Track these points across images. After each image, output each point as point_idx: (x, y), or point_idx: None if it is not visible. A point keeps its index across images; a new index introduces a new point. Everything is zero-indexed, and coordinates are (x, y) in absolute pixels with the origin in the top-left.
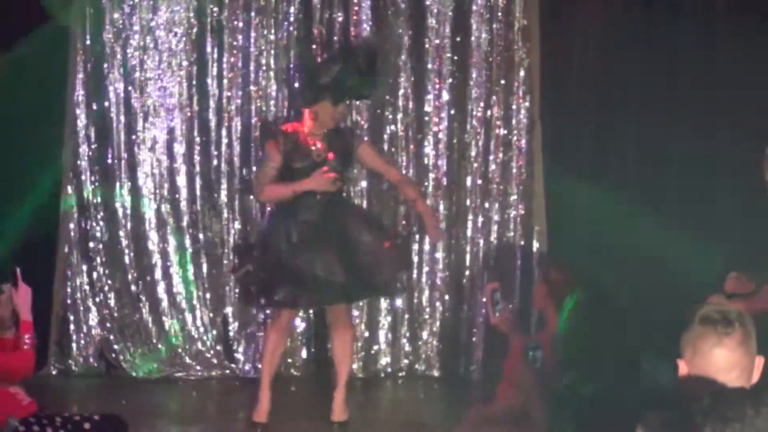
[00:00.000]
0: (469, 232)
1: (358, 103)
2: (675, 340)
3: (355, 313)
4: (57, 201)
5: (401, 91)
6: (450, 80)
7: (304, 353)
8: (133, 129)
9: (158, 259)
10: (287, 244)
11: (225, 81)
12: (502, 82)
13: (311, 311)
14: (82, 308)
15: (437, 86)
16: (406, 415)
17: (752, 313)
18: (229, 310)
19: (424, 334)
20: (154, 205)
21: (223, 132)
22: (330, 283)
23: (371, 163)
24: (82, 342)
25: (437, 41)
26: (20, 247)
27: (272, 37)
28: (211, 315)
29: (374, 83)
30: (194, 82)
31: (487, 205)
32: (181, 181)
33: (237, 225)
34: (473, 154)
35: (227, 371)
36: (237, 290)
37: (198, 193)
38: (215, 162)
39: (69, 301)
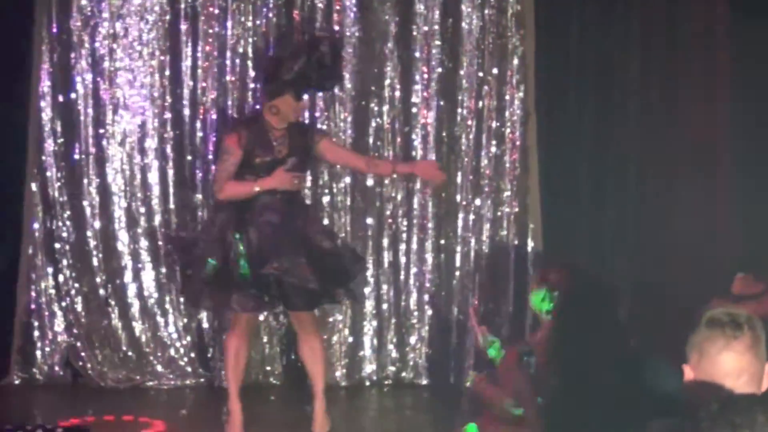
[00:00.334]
0: (459, 231)
1: (340, 93)
2: (678, 344)
3: (338, 317)
4: (20, 199)
5: (387, 82)
6: (439, 69)
7: (284, 360)
8: (102, 122)
9: (128, 260)
10: (247, 247)
11: (200, 71)
12: (495, 71)
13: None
14: (47, 313)
15: (425, 76)
16: (392, 426)
17: (762, 316)
18: (203, 314)
19: (412, 340)
20: (124, 204)
21: (198, 125)
22: (301, 289)
23: (334, 157)
24: (47, 349)
25: (425, 28)
26: None
27: (250, 23)
28: (185, 320)
29: (339, 76)
30: (167, 73)
31: (478, 201)
32: (153, 177)
33: None
34: (464, 147)
35: (202, 380)
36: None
37: (171, 190)
38: (189, 157)
39: (33, 306)
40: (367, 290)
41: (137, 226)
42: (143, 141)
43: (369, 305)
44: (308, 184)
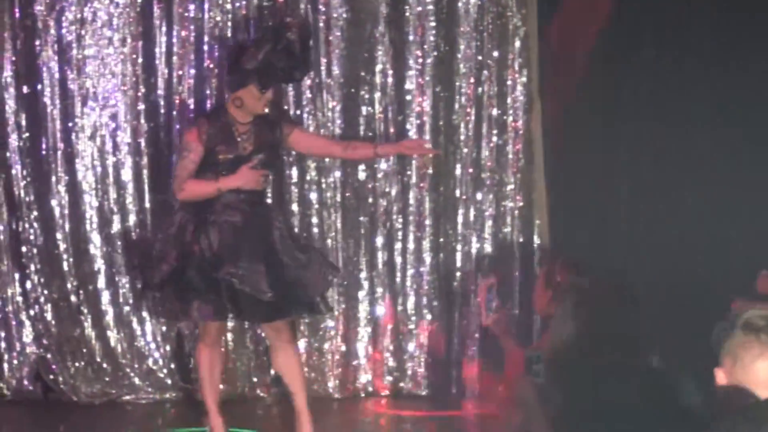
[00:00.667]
0: (459, 228)
1: (327, 80)
2: (700, 349)
3: (330, 323)
4: None
5: (378, 67)
6: (434, 53)
7: (272, 371)
8: (70, 115)
9: (102, 265)
10: (207, 249)
11: (175, 58)
12: (495, 54)
13: None
14: (14, 323)
15: (420, 60)
16: None
17: None
18: (183, 322)
19: (410, 347)
20: (96, 203)
21: (174, 117)
22: (255, 300)
23: (309, 147)
24: (15, 362)
25: (419, 8)
26: None
27: (229, 5)
28: (163, 328)
29: (308, 66)
30: (140, 60)
31: (479, 196)
32: (127, 174)
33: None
34: (462, 137)
35: (183, 393)
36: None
37: (146, 187)
38: (165, 152)
39: None
40: (361, 294)
41: (110, 227)
42: (115, 135)
43: (363, 310)
44: (293, 180)
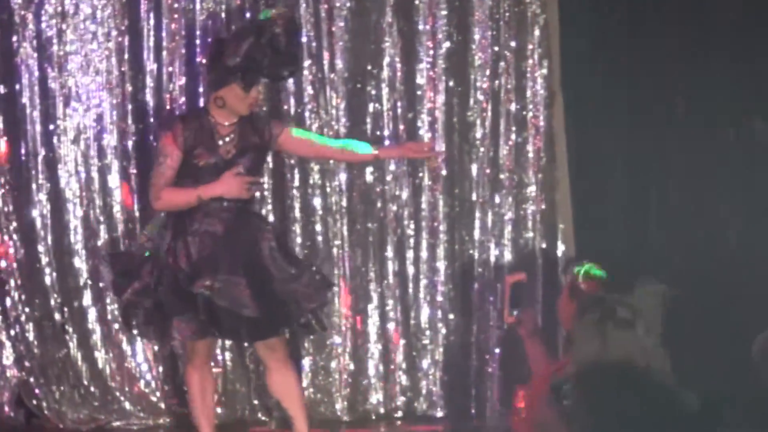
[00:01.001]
0: (476, 234)
1: (331, 75)
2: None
3: (337, 340)
4: None
5: (386, 60)
6: (447, 44)
7: None
8: (52, 117)
9: (88, 279)
10: (184, 261)
11: (164, 53)
12: (513, 44)
13: None
14: None
15: (431, 52)
16: None
17: None
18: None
19: (425, 364)
20: (81, 212)
21: (166, 117)
22: (236, 316)
23: (301, 148)
24: None
25: None
26: None
27: None
28: (155, 348)
29: (296, 63)
30: (126, 56)
31: (497, 199)
32: (114, 180)
33: None
34: (478, 135)
35: (177, 418)
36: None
37: (135, 195)
38: (155, 155)
39: None
40: (370, 307)
41: (96, 238)
42: (101, 138)
43: (373, 325)
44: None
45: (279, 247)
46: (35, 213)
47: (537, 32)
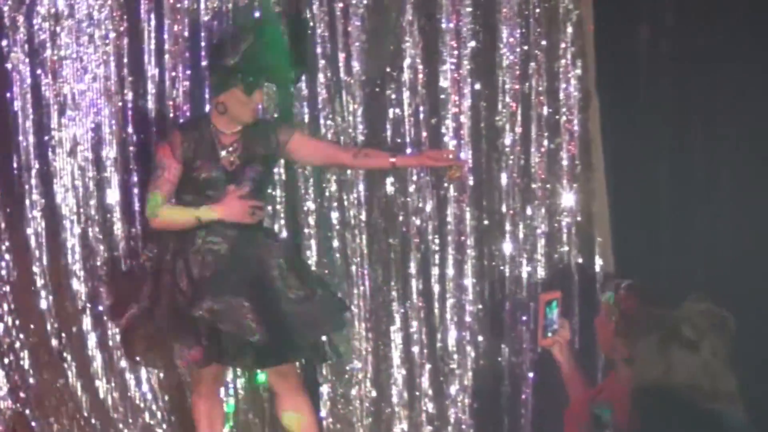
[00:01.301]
0: (506, 249)
1: (347, 78)
2: None
3: (357, 365)
4: None
5: (407, 61)
6: (472, 43)
7: None
8: (46, 127)
9: (87, 302)
10: (184, 282)
11: (167, 57)
12: (544, 43)
13: None
14: None
15: (455, 52)
16: None
17: None
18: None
19: (452, 390)
20: (78, 230)
21: (168, 126)
22: (242, 341)
23: (311, 155)
24: None
25: None
26: None
27: None
28: (161, 374)
29: (302, 61)
30: (125, 60)
31: (529, 210)
32: (113, 195)
33: None
34: (508, 142)
35: None
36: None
37: (136, 209)
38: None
39: None
40: (392, 329)
41: (95, 257)
42: (99, 149)
43: (396, 348)
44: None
45: (289, 265)
46: (29, 231)
47: (570, 29)
